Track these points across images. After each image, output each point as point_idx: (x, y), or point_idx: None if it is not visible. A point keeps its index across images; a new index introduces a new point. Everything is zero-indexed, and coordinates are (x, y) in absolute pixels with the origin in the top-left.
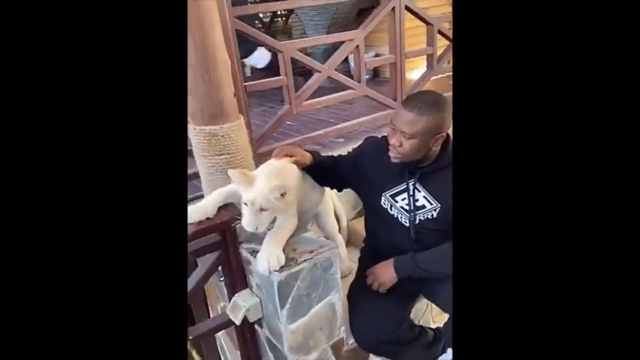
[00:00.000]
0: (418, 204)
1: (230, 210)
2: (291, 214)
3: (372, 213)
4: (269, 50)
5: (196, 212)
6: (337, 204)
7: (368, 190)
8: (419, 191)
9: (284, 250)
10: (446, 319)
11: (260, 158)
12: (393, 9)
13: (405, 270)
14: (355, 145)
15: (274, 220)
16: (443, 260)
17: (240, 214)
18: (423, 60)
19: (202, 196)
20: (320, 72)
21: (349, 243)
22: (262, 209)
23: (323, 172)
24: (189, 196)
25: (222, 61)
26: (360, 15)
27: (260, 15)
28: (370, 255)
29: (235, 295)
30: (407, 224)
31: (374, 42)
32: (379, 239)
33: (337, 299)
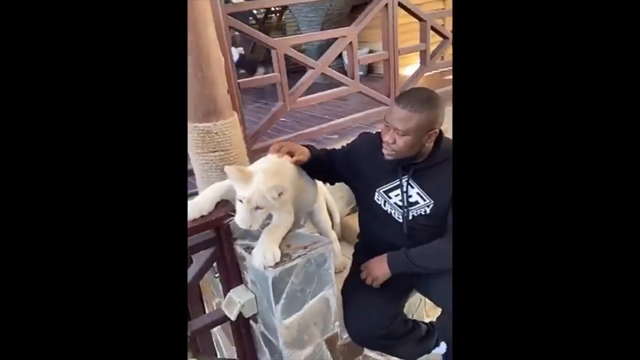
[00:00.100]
0: (411, 200)
1: (224, 206)
2: (287, 211)
3: (366, 209)
4: (265, 48)
5: (192, 209)
6: (330, 200)
7: (362, 186)
8: (412, 187)
9: (278, 246)
10: (439, 313)
11: (254, 155)
12: (386, 5)
13: (399, 266)
14: (349, 141)
15: (268, 217)
16: (435, 256)
17: (234, 211)
18: (416, 57)
19: (196, 193)
20: (313, 68)
21: (343, 239)
22: (257, 207)
23: (318, 167)
24: None
25: (216, 58)
26: (353, 12)
27: (254, 11)
28: (364, 251)
29: (230, 291)
30: (401, 220)
31: (368, 38)
32: (372, 234)
33: (331, 294)
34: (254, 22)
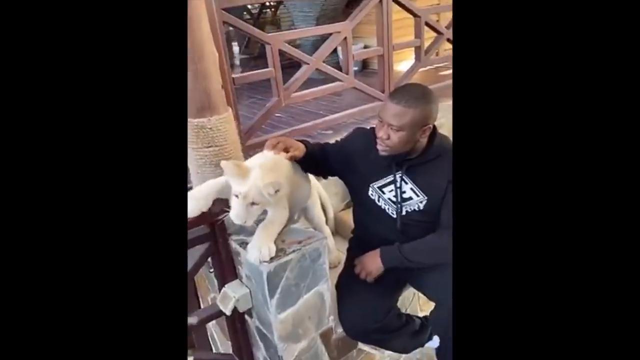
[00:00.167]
0: (405, 195)
1: (218, 202)
2: (282, 207)
3: (360, 204)
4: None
5: (189, 209)
6: (323, 196)
7: (356, 181)
8: (406, 183)
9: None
10: (433, 308)
11: (249, 150)
12: (381, 1)
13: (392, 260)
14: (343, 136)
15: (262, 213)
16: (428, 251)
17: (228, 206)
18: (411, 53)
19: (190, 188)
20: (308, 64)
21: (337, 234)
22: (253, 203)
23: (312, 161)
24: None
25: (210, 53)
26: (348, 7)
27: (249, 6)
28: (358, 246)
29: (225, 286)
30: (394, 215)
31: (363, 34)
32: (366, 229)
33: (326, 289)
34: (248, 17)
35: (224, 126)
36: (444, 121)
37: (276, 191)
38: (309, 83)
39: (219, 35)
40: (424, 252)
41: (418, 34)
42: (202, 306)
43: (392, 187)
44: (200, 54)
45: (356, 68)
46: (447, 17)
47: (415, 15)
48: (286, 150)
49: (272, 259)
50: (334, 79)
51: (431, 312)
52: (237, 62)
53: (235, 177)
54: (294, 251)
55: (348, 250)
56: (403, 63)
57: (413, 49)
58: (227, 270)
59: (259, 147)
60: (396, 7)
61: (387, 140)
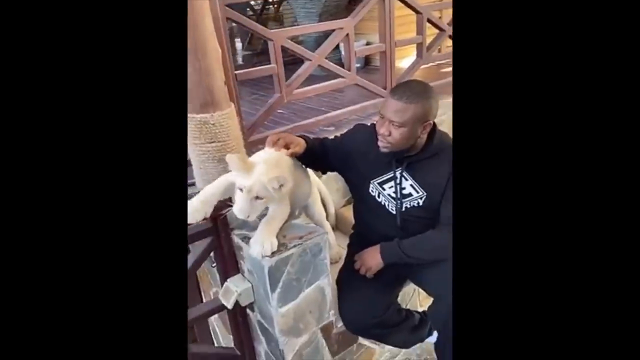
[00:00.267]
0: (405, 192)
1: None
2: (284, 203)
3: (361, 200)
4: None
5: (196, 211)
6: (324, 192)
7: (356, 178)
8: (406, 180)
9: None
10: (432, 303)
11: (251, 146)
12: None
13: (391, 256)
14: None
15: (265, 208)
16: (428, 247)
17: (231, 202)
18: (413, 49)
19: (193, 184)
20: (311, 60)
21: (338, 230)
22: (257, 197)
23: (312, 157)
24: None
25: (213, 49)
26: (351, 4)
27: (252, 3)
28: (358, 242)
29: (227, 280)
30: (394, 212)
31: (365, 30)
32: (366, 225)
33: (327, 284)
34: (251, 13)
35: (227, 122)
36: (444, 118)
37: (280, 186)
38: (311, 79)
39: (222, 32)
40: (423, 248)
41: (420, 31)
42: (204, 300)
43: (392, 183)
44: (203, 50)
45: (358, 65)
46: (449, 14)
47: (417, 12)
48: (287, 146)
49: (273, 253)
50: (336, 76)
51: (429, 307)
52: (239, 58)
53: (240, 171)
54: (295, 246)
55: (349, 246)
56: (405, 60)
57: (415, 45)
58: (230, 265)
59: (261, 144)
60: (398, 4)
61: (389, 137)
